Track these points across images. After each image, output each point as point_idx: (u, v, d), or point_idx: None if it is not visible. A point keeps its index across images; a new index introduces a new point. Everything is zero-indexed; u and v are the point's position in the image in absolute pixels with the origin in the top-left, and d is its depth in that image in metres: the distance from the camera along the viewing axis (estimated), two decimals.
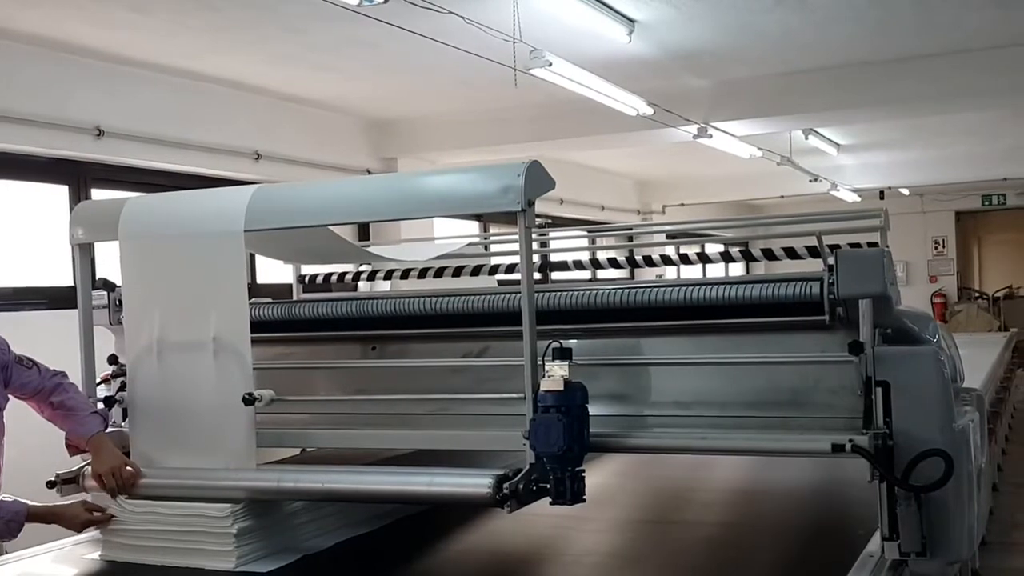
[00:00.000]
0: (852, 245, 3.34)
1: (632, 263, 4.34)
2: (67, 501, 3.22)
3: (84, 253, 3.31)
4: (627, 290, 3.16)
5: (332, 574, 2.99)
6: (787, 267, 3.28)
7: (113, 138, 7.02)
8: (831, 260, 2.83)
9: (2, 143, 6.43)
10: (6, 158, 6.60)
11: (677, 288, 3.08)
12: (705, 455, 3.67)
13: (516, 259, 4.03)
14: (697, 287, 3.06)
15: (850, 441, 2.57)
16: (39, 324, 6.23)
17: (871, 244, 3.38)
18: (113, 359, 3.42)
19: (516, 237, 2.75)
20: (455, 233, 9.98)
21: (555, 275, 4.75)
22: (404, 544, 3.25)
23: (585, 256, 4.30)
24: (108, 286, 3.57)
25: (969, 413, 3.05)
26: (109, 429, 3.29)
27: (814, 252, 3.26)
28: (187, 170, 7.67)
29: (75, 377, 3.38)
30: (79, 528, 3.21)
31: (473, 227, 10.93)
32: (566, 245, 7.80)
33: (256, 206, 2.99)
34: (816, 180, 13.47)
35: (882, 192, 15.86)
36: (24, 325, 6.14)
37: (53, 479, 3.23)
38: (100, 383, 3.38)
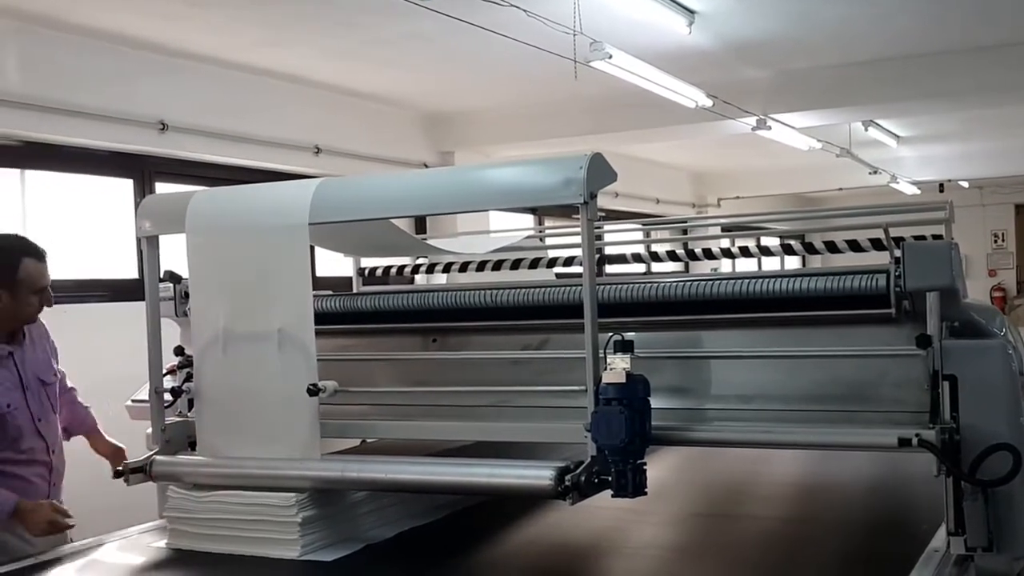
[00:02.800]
0: (916, 238, 3.30)
1: (691, 255, 4.31)
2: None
3: (151, 246, 3.34)
4: (689, 283, 3.15)
5: (395, 563, 3.01)
6: (843, 260, 3.24)
7: (176, 132, 7.13)
8: (897, 253, 2.79)
9: (69, 137, 6.57)
10: (73, 152, 6.74)
11: (741, 281, 3.05)
12: (766, 449, 3.65)
13: (573, 252, 4.04)
14: (760, 280, 3.03)
15: (917, 435, 2.53)
16: (102, 316, 6.36)
17: (936, 237, 3.34)
18: (179, 350, 3.46)
19: (571, 230, 2.74)
20: (508, 226, 9.96)
21: (609, 268, 4.74)
22: (465, 535, 3.27)
23: (640, 249, 4.27)
24: (174, 278, 3.62)
25: None
26: (175, 419, 3.36)
27: (877, 245, 3.22)
28: (248, 164, 7.78)
29: (142, 368, 3.47)
30: (41, 531, 3.40)
31: (525, 220, 10.92)
32: (620, 238, 7.77)
33: (320, 199, 3.01)
34: (875, 172, 13.29)
35: (941, 185, 15.63)
36: (87, 317, 6.29)
37: (120, 468, 3.30)
38: (166, 374, 3.43)
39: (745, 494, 3.88)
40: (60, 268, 6.54)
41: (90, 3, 5.98)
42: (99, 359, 5.44)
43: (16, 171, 6.57)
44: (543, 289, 3.35)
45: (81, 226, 6.93)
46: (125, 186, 7.23)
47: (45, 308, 3.74)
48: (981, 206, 18.28)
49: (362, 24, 6.66)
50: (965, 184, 16.74)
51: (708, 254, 4.24)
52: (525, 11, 5.67)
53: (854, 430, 2.79)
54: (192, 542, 3.11)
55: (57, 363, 3.92)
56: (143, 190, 7.16)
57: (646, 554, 3.15)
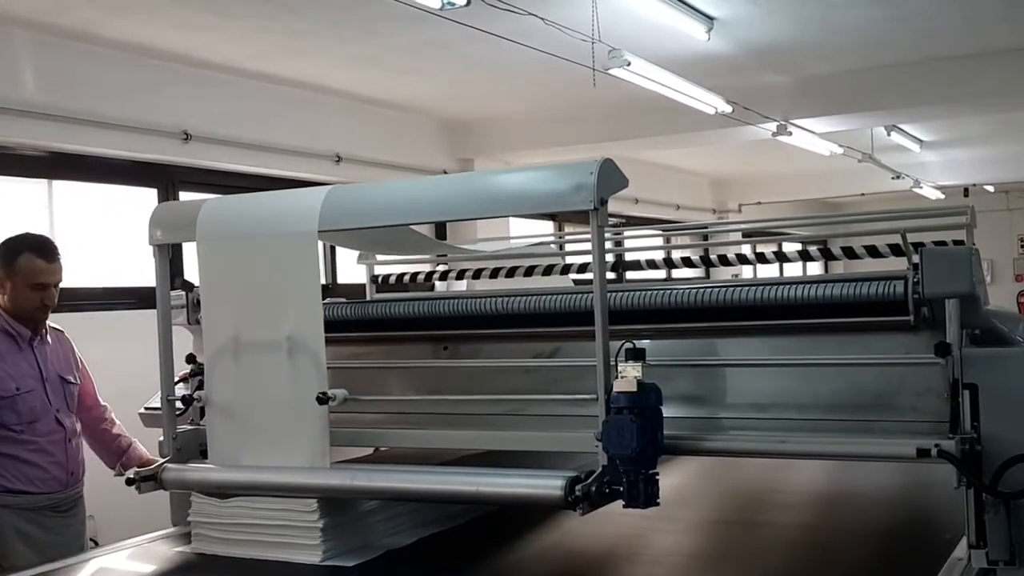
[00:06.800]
0: (937, 243, 3.25)
1: (707, 262, 4.28)
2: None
3: (163, 254, 3.35)
4: (703, 290, 3.10)
5: (414, 570, 3.00)
6: (866, 266, 3.19)
7: (199, 142, 7.17)
8: (916, 259, 2.74)
9: (94, 147, 6.62)
10: (98, 162, 6.78)
11: (755, 288, 3.00)
12: (783, 459, 3.60)
13: (590, 258, 4.01)
14: (776, 286, 2.98)
15: (936, 446, 2.47)
16: (128, 322, 6.39)
17: (957, 242, 3.28)
18: (191, 358, 3.46)
19: (588, 236, 2.71)
20: (529, 232, 9.99)
21: (629, 275, 4.71)
22: (485, 541, 3.25)
23: (659, 255, 4.25)
24: (187, 286, 3.62)
25: None
26: (186, 427, 3.36)
27: (897, 250, 3.16)
28: (270, 173, 7.81)
29: (154, 376, 3.46)
30: None
31: (547, 226, 10.92)
32: (640, 244, 7.73)
33: (330, 206, 3.00)
34: (898, 177, 13.18)
35: (966, 189, 15.48)
36: (114, 323, 6.34)
37: (132, 476, 3.29)
38: (178, 382, 3.43)
39: (765, 502, 3.84)
40: (87, 276, 6.62)
41: (115, 15, 6.01)
42: (125, 365, 5.46)
43: (43, 181, 6.64)
44: (555, 296, 3.31)
45: (107, 234, 6.98)
46: (149, 195, 7.28)
47: (52, 310, 4.01)
48: (1007, 210, 18.07)
49: (382, 33, 6.66)
50: (991, 188, 16.57)
51: (724, 260, 4.20)
52: (543, 19, 5.66)
53: (872, 440, 2.74)
54: (216, 547, 3.10)
55: (79, 372, 4.17)
56: (167, 199, 7.20)
57: (665, 561, 3.11)
